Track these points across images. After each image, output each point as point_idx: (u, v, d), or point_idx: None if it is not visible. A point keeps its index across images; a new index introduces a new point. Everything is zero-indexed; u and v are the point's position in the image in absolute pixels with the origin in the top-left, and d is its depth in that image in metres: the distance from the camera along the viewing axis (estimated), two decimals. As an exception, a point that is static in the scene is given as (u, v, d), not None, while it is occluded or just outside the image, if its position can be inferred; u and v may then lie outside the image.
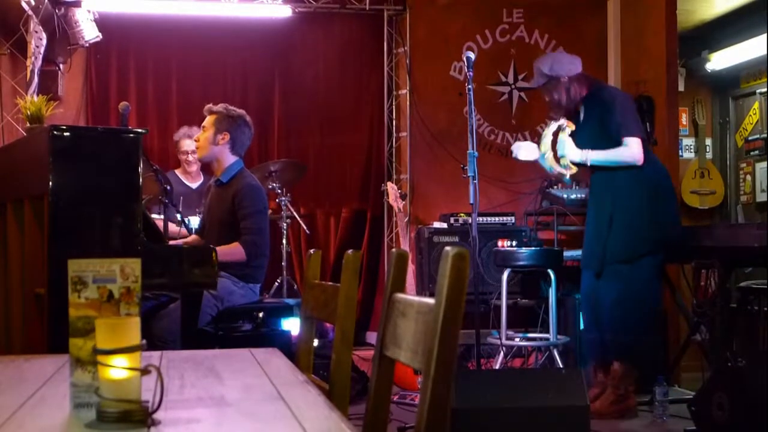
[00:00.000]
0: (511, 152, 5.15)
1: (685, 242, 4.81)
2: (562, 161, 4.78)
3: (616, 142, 4.66)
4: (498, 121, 7.11)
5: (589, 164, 4.75)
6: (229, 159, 4.71)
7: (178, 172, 6.11)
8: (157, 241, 3.67)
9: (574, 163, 4.77)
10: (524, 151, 5.01)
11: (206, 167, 5.48)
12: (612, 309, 4.68)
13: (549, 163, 4.84)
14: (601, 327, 4.74)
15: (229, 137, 4.67)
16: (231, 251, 4.41)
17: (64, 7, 6.09)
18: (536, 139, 4.95)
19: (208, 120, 4.72)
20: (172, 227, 5.18)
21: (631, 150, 4.64)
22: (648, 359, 4.78)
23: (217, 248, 4.27)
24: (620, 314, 4.67)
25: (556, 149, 4.82)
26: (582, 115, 4.85)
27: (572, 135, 4.78)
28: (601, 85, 4.94)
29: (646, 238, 4.66)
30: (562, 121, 4.80)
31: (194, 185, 6.03)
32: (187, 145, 5.91)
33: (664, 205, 4.74)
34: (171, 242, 4.60)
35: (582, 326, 5.18)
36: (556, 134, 4.84)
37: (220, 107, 4.75)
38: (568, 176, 4.85)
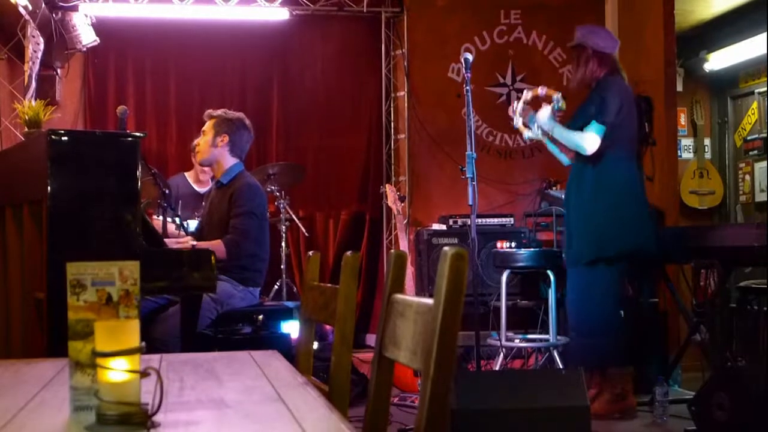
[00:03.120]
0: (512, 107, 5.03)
1: (660, 249, 4.80)
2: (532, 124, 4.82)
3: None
4: (496, 123, 7.11)
5: (551, 134, 4.78)
6: (229, 161, 4.73)
7: (187, 175, 6.08)
8: (156, 245, 3.67)
9: (542, 131, 4.80)
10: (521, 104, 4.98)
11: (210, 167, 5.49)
12: (572, 312, 4.72)
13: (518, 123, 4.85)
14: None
15: (228, 139, 4.70)
16: (213, 248, 4.39)
17: (61, 12, 6.10)
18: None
19: (208, 124, 4.76)
20: (171, 228, 5.18)
21: (586, 136, 4.61)
22: (616, 358, 4.73)
23: (198, 243, 4.27)
24: (579, 318, 4.71)
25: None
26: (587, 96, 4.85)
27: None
28: (614, 76, 4.82)
29: (604, 245, 4.61)
30: (556, 96, 4.80)
31: (202, 190, 6.02)
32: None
33: (629, 213, 4.66)
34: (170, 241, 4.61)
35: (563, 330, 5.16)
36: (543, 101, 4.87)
37: (219, 111, 4.80)
38: (527, 135, 4.87)
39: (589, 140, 4.61)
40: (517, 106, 4.86)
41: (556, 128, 4.76)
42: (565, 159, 4.94)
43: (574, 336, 4.82)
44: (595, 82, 4.78)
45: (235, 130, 4.74)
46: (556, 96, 4.80)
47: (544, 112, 4.78)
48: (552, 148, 4.93)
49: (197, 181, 6.06)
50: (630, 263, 4.78)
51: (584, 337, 4.71)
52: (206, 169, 5.85)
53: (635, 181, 4.79)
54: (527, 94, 4.88)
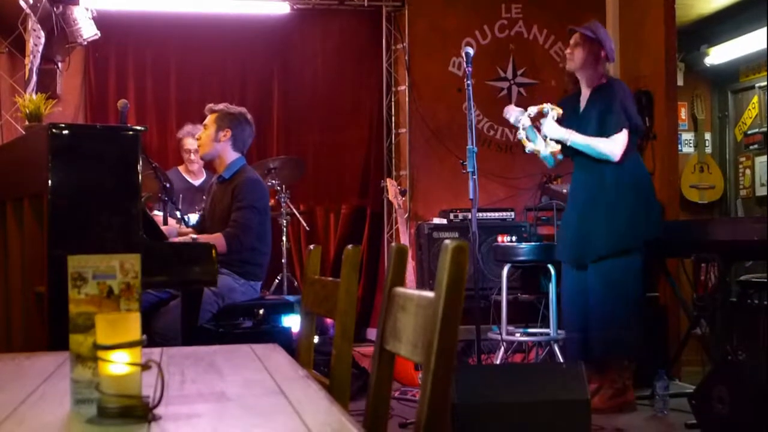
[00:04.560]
0: (504, 112, 4.97)
1: (664, 239, 4.82)
2: (546, 140, 4.76)
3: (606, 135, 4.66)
4: (497, 117, 7.07)
5: (568, 144, 4.71)
6: (231, 156, 4.73)
7: (180, 169, 6.11)
8: (157, 239, 3.67)
9: (554, 140, 4.74)
10: (515, 114, 4.94)
11: (209, 164, 5.49)
12: (599, 305, 4.70)
13: (525, 142, 4.80)
14: (587, 324, 4.74)
15: (230, 134, 4.70)
16: (213, 241, 4.39)
17: (62, 5, 6.08)
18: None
19: (210, 118, 4.75)
20: (172, 222, 5.18)
21: (613, 144, 4.62)
22: (637, 350, 4.76)
23: (200, 236, 4.27)
24: (607, 310, 4.69)
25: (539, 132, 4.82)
26: (584, 104, 4.82)
27: (569, 122, 4.75)
28: (616, 80, 4.86)
29: (627, 235, 4.65)
30: (546, 107, 4.76)
31: (196, 182, 6.03)
32: (191, 143, 5.93)
33: (645, 206, 4.72)
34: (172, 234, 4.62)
35: (562, 324, 5.14)
36: (536, 119, 4.83)
37: (220, 106, 4.80)
38: (547, 153, 4.76)
39: (618, 146, 4.61)
40: (522, 134, 4.80)
41: (573, 136, 4.70)
42: (550, 162, 4.92)
43: (599, 329, 4.78)
44: (595, 86, 4.77)
45: (237, 125, 4.74)
46: (547, 107, 4.76)
47: (551, 124, 4.72)
48: (544, 156, 4.88)
49: (188, 172, 6.07)
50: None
51: (608, 330, 4.67)
52: (194, 158, 5.88)
53: (647, 173, 4.91)
54: (526, 120, 4.80)
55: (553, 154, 4.77)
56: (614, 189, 4.67)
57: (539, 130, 4.81)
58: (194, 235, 4.44)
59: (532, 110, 4.77)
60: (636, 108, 4.82)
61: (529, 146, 4.76)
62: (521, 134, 4.78)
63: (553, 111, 4.73)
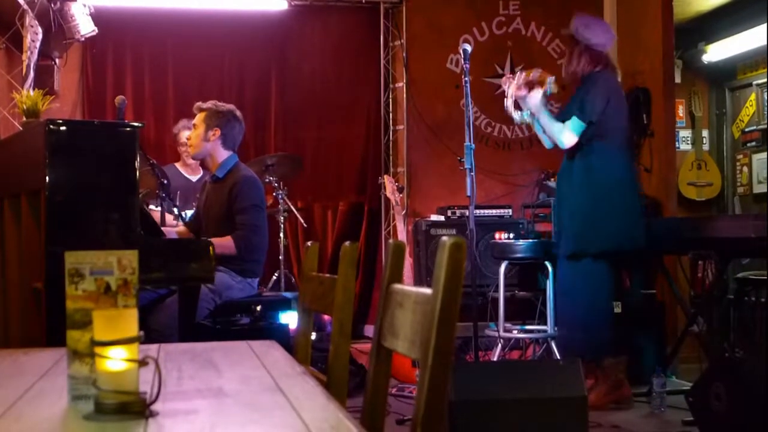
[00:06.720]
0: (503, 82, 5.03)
1: (652, 243, 4.81)
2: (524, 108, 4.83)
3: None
4: (495, 114, 7.10)
5: (535, 119, 4.79)
6: (222, 154, 4.69)
7: (178, 165, 6.09)
8: (154, 235, 3.67)
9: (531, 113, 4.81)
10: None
11: (201, 164, 5.47)
12: (558, 302, 4.80)
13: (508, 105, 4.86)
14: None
15: (219, 133, 4.66)
16: (223, 244, 4.39)
17: (59, 2, 6.07)
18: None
19: (198, 117, 4.71)
20: (169, 218, 5.17)
21: (564, 129, 4.64)
22: (596, 352, 4.73)
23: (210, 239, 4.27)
24: (560, 310, 4.80)
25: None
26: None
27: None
28: (601, 72, 4.77)
29: (587, 240, 4.63)
30: (550, 78, 4.79)
31: (194, 178, 6.01)
32: (186, 136, 5.92)
33: (614, 211, 4.63)
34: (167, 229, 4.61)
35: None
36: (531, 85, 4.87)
37: (209, 104, 4.74)
38: (517, 119, 4.88)
39: (566, 135, 4.65)
40: (509, 89, 4.85)
41: (542, 114, 4.74)
42: (547, 142, 4.94)
43: (560, 328, 4.86)
44: (584, 76, 4.78)
45: (226, 123, 4.69)
46: (550, 79, 4.77)
47: (536, 96, 4.74)
48: (538, 128, 4.92)
49: (185, 167, 6.06)
50: (618, 257, 4.78)
51: (570, 330, 4.72)
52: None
53: (625, 175, 4.77)
54: (520, 77, 4.86)
55: (524, 123, 4.90)
56: (577, 188, 4.69)
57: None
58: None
59: (535, 74, 4.80)
60: (603, 102, 4.67)
61: (516, 115, 4.83)
62: (510, 91, 4.82)
63: (551, 85, 4.76)
